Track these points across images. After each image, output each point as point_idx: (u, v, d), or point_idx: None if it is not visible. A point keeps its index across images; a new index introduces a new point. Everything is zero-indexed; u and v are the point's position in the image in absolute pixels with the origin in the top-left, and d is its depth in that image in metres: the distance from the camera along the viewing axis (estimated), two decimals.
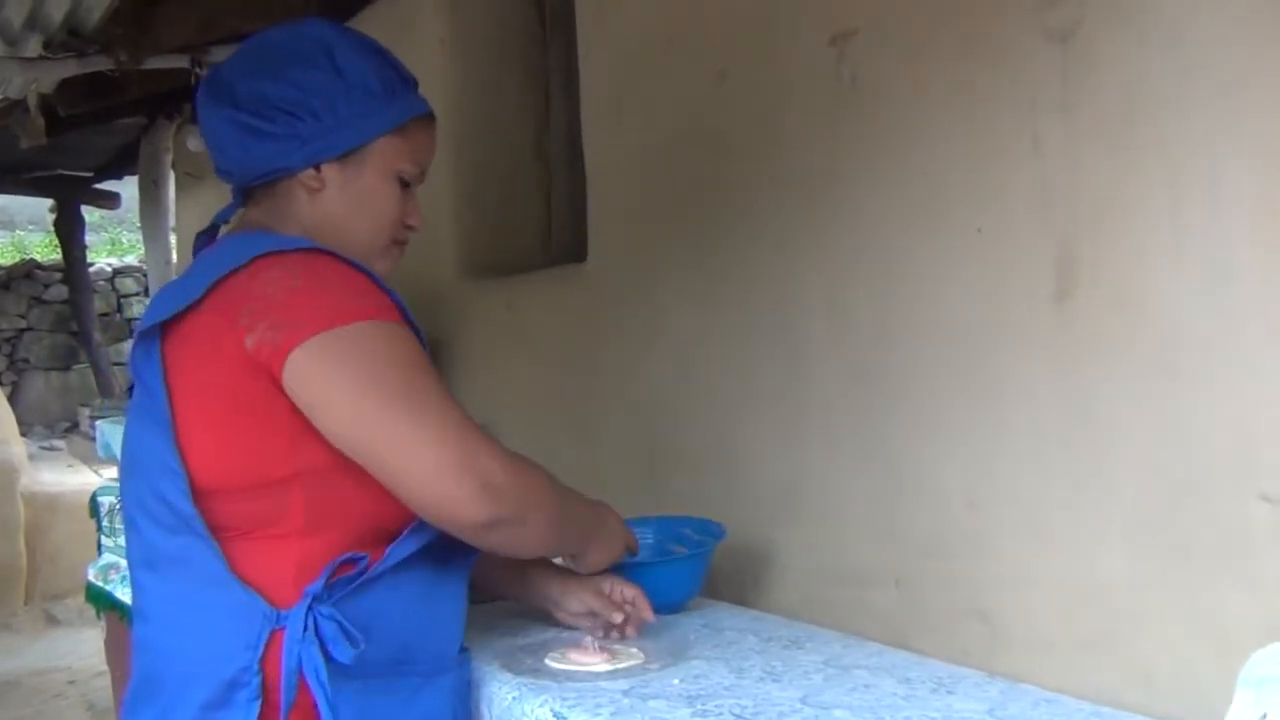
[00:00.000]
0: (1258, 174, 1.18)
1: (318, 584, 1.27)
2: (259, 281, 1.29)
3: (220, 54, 3.77)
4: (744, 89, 1.94)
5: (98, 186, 8.81)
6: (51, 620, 5.79)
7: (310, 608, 1.26)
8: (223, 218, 1.49)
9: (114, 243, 15.31)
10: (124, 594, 2.83)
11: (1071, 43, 1.36)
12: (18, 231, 16.39)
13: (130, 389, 1.43)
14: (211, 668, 1.26)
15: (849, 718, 1.30)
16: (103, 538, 3.21)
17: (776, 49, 1.85)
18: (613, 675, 1.45)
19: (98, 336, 9.93)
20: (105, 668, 3.49)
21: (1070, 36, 1.36)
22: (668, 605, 1.71)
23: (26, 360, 10.81)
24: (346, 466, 1.27)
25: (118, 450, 1.45)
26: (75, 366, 10.76)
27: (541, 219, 3.05)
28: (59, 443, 8.66)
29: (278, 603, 1.27)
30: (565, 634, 1.62)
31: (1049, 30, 1.38)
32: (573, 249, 2.71)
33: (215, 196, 4.44)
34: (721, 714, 1.32)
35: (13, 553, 5.91)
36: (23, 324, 10.88)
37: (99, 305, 10.58)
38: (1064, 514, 1.40)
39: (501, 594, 1.70)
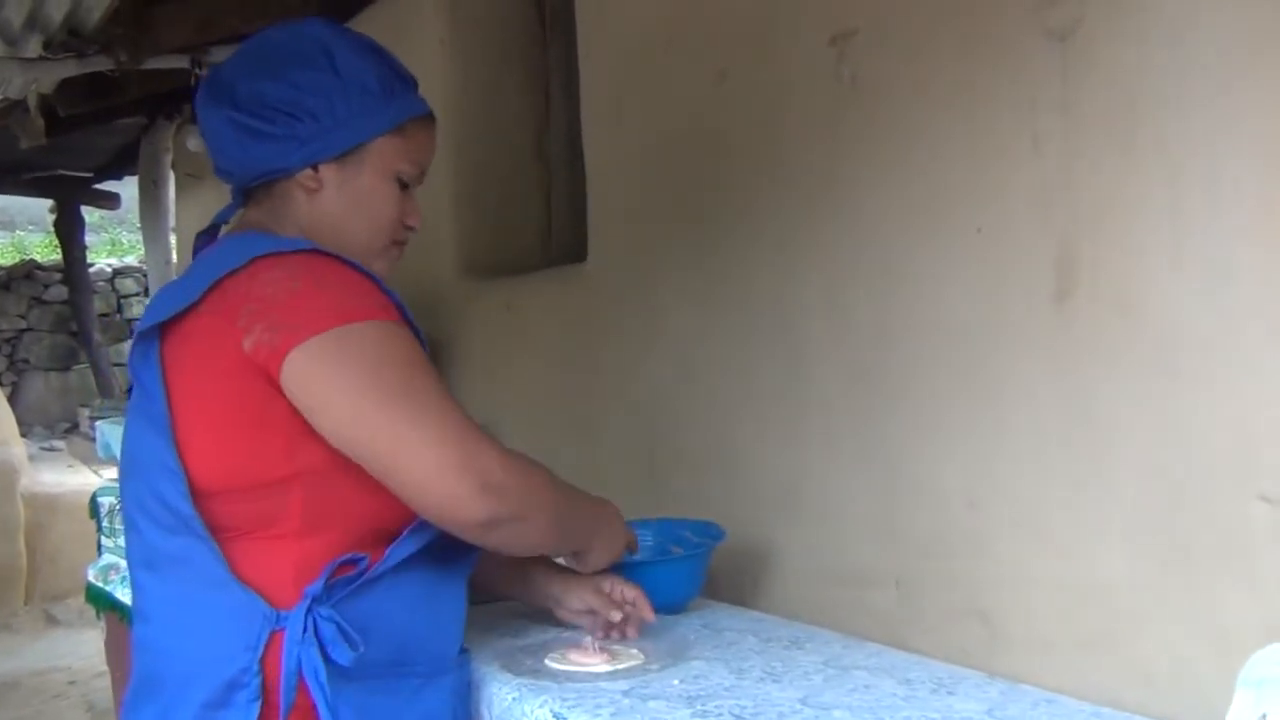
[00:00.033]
0: (1258, 174, 1.18)
1: (317, 585, 1.27)
2: (258, 282, 1.29)
3: (220, 54, 3.77)
4: (744, 89, 1.94)
5: (97, 187, 8.81)
6: (51, 621, 5.79)
7: (310, 609, 1.26)
8: (223, 218, 1.49)
9: (114, 243, 15.31)
10: (124, 594, 2.83)
11: (1071, 43, 1.36)
12: (18, 232, 16.39)
13: (130, 390, 1.43)
14: (211, 668, 1.26)
15: (849, 718, 1.30)
16: (103, 538, 3.21)
17: (776, 49, 1.85)
18: (613, 676, 1.45)
19: (98, 337, 9.94)
20: (105, 668, 3.49)
21: (1070, 36, 1.36)
22: (668, 606, 1.70)
23: (26, 361, 10.81)
24: (345, 467, 1.27)
25: (117, 451, 1.45)
26: (75, 367, 10.76)
27: (541, 219, 3.05)
28: (59, 443, 8.66)
29: (278, 603, 1.26)
30: (565, 635, 1.62)
31: (1049, 30, 1.38)
32: (573, 249, 2.71)
33: (215, 197, 4.44)
34: (721, 715, 1.32)
35: (13, 553, 5.91)
36: (23, 324, 10.88)
37: (99, 306, 10.59)
38: (1064, 514, 1.40)
39: (502, 593, 1.70)
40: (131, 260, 11.86)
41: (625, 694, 1.39)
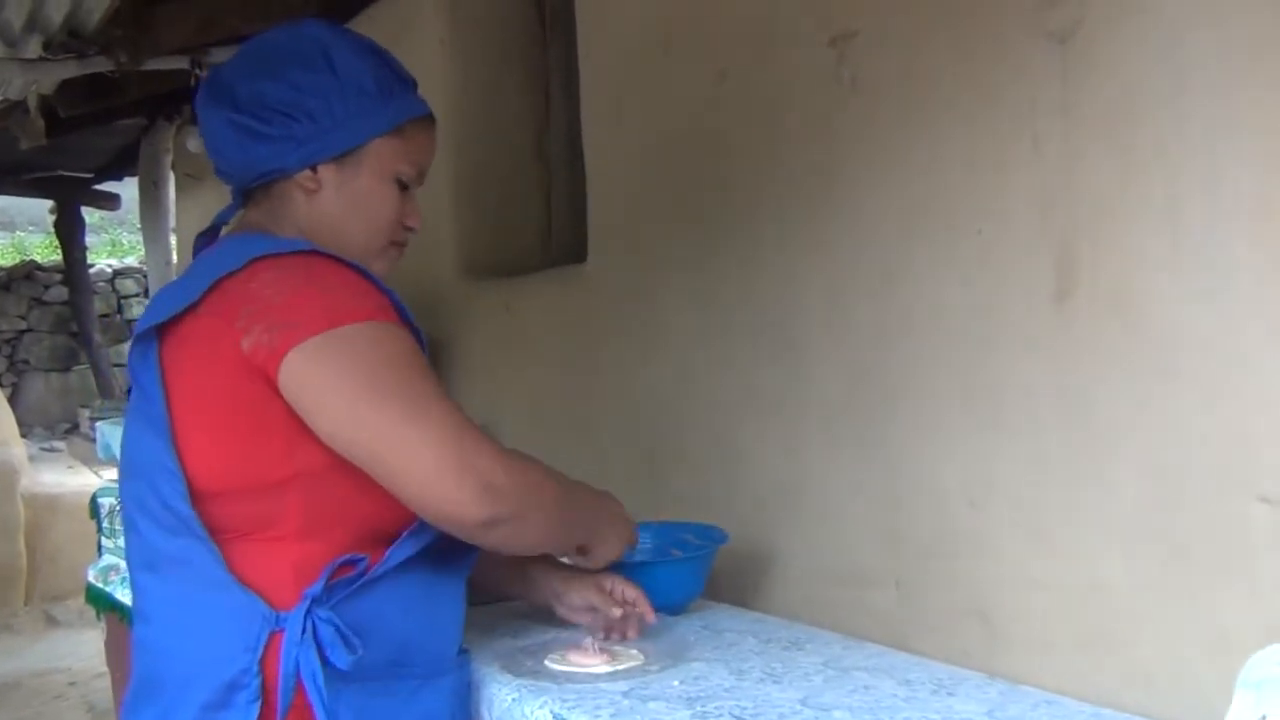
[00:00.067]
0: (1258, 174, 1.18)
1: (317, 586, 1.27)
2: (256, 284, 1.29)
3: (220, 55, 3.77)
4: (744, 89, 1.94)
5: (98, 188, 8.81)
6: (52, 621, 5.79)
7: (309, 610, 1.26)
8: (223, 219, 1.49)
9: (114, 244, 15.31)
10: (124, 595, 2.83)
11: (1071, 43, 1.36)
12: (18, 232, 16.39)
13: (129, 391, 1.43)
14: (212, 669, 1.26)
15: (849, 719, 1.30)
16: (103, 539, 3.21)
17: (776, 49, 1.85)
18: (612, 677, 1.45)
19: (98, 338, 9.94)
20: (105, 669, 3.49)
21: (1070, 37, 1.36)
22: (668, 606, 1.71)
23: (26, 361, 10.81)
24: (344, 469, 1.27)
25: (118, 451, 1.46)
26: (75, 368, 10.76)
27: (541, 219, 3.05)
28: (59, 444, 8.66)
29: (277, 604, 1.26)
30: (565, 635, 1.62)
31: (1049, 30, 1.38)
32: (573, 249, 2.71)
33: (215, 198, 4.44)
34: (721, 715, 1.32)
35: (13, 554, 5.91)
36: (23, 325, 10.88)
37: (99, 306, 10.59)
38: (1064, 514, 1.40)
39: (503, 592, 1.70)
40: (132, 261, 11.86)
41: (625, 695, 1.39)
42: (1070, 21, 1.36)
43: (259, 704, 1.25)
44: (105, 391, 9.64)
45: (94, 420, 5.72)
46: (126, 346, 1.46)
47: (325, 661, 1.25)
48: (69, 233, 9.51)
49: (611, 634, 1.58)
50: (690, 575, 1.76)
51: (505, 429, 2.67)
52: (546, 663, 1.51)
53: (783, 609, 1.83)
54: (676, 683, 1.43)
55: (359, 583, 1.29)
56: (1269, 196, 1.17)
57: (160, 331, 1.32)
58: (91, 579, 3.11)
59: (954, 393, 1.55)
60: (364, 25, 3.26)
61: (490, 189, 3.03)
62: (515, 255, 2.99)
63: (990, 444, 1.50)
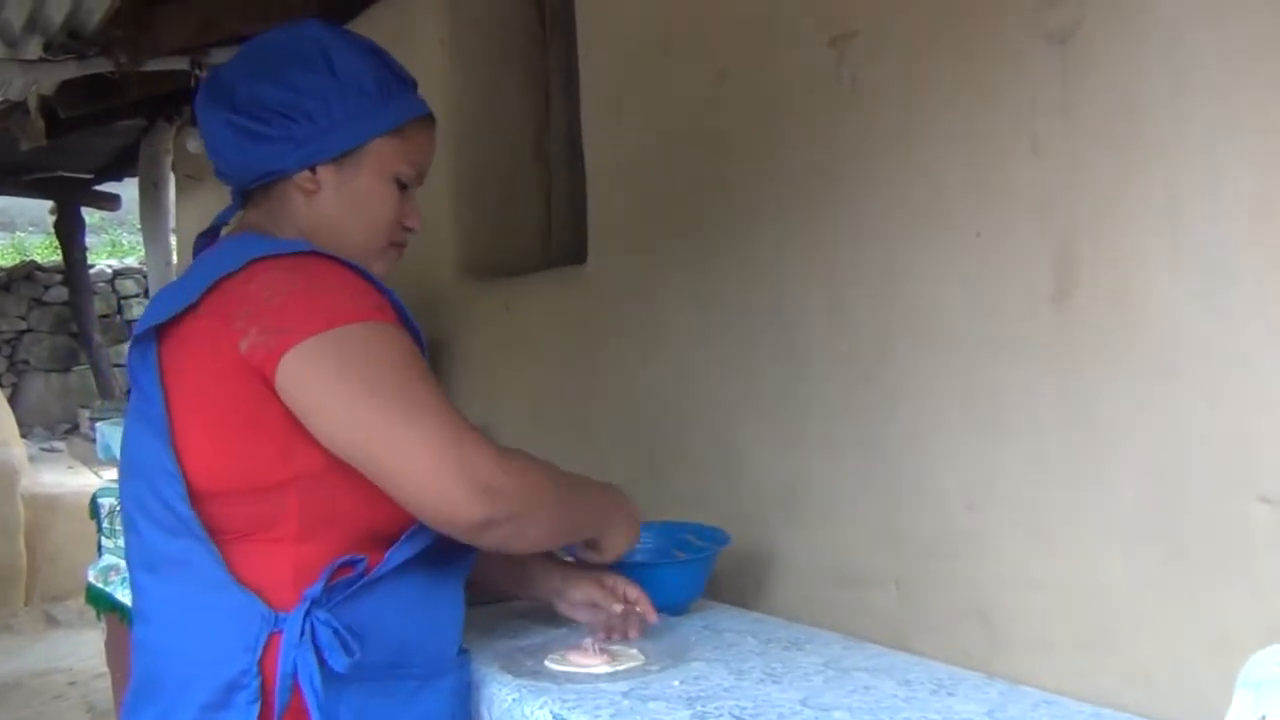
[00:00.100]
0: (1258, 174, 1.18)
1: (316, 587, 1.27)
2: (254, 285, 1.29)
3: (220, 56, 3.77)
4: (744, 89, 1.94)
5: (98, 188, 8.82)
6: (52, 621, 5.79)
7: (308, 612, 1.26)
8: (223, 220, 1.50)
9: (114, 244, 15.31)
10: (124, 595, 2.83)
11: (1071, 43, 1.36)
12: (18, 233, 16.39)
13: (129, 391, 1.43)
14: (211, 669, 1.26)
15: (849, 719, 1.30)
16: (103, 539, 3.21)
17: (776, 49, 1.85)
18: (612, 677, 1.45)
19: (98, 338, 9.94)
20: (105, 669, 3.49)
21: (1070, 37, 1.36)
22: (669, 607, 1.70)
23: (26, 362, 10.81)
24: (341, 471, 1.27)
25: (118, 452, 1.46)
26: (75, 368, 10.76)
27: (541, 219, 3.05)
28: (59, 444, 8.66)
29: (277, 605, 1.27)
30: (565, 635, 1.62)
31: (1049, 31, 1.38)
32: (573, 249, 2.71)
33: (215, 198, 4.44)
34: (721, 716, 1.32)
35: (13, 554, 5.91)
36: (23, 325, 10.88)
37: (99, 307, 10.59)
38: (1063, 515, 1.40)
39: (503, 591, 1.69)
40: (132, 261, 11.86)
41: (625, 695, 1.39)
42: (1070, 21, 1.36)
43: (259, 704, 1.25)
44: (105, 392, 9.64)
45: (94, 421, 5.73)
46: (126, 347, 1.45)
47: (323, 663, 1.25)
48: (69, 233, 9.51)
49: (612, 633, 1.58)
50: (692, 577, 1.76)
51: (505, 429, 2.67)
52: (546, 663, 1.50)
53: (783, 609, 1.83)
54: (676, 683, 1.43)
55: (358, 584, 1.29)
56: (1269, 196, 1.17)
57: (159, 332, 1.32)
58: (91, 579, 3.11)
59: (954, 393, 1.55)
60: (364, 26, 3.26)
61: (490, 189, 3.03)
62: (515, 255, 2.99)
63: (990, 444, 1.50)
